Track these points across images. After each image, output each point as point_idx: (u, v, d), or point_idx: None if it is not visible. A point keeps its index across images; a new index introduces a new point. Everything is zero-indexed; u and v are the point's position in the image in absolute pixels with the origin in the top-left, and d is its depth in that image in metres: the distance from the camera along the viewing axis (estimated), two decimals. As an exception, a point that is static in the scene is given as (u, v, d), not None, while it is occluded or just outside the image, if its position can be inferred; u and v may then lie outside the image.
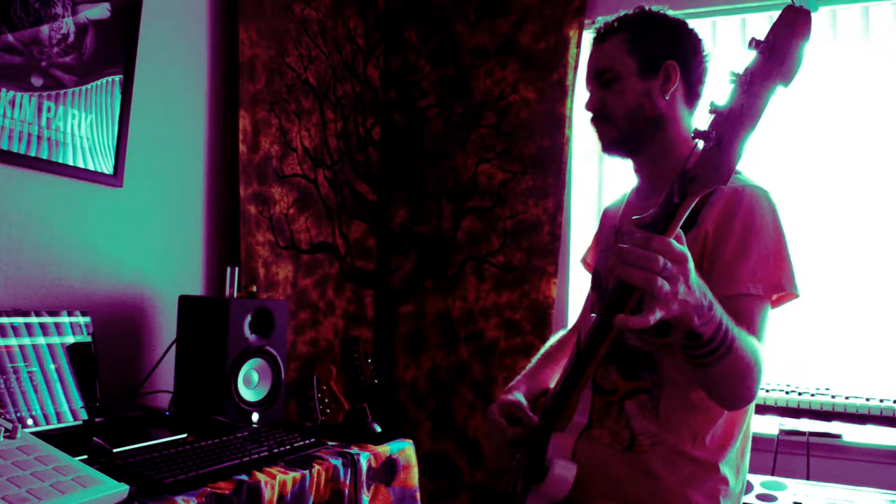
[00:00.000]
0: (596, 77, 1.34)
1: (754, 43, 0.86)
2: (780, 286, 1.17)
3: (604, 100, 1.33)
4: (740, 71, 0.87)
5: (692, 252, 0.96)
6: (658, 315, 0.91)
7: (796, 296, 1.21)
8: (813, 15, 0.86)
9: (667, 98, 1.30)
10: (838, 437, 2.18)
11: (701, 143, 0.89)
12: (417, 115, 2.85)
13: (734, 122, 0.85)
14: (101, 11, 1.84)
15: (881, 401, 1.98)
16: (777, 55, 0.85)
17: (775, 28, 0.86)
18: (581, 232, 2.70)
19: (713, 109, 0.88)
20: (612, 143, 1.35)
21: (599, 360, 1.12)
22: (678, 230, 0.93)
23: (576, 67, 2.59)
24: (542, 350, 1.60)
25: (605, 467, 1.26)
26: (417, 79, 2.85)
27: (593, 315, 1.23)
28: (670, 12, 1.36)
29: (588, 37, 2.60)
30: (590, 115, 1.37)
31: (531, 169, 2.63)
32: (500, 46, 2.71)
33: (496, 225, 2.69)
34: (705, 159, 0.87)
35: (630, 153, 1.36)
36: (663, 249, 0.90)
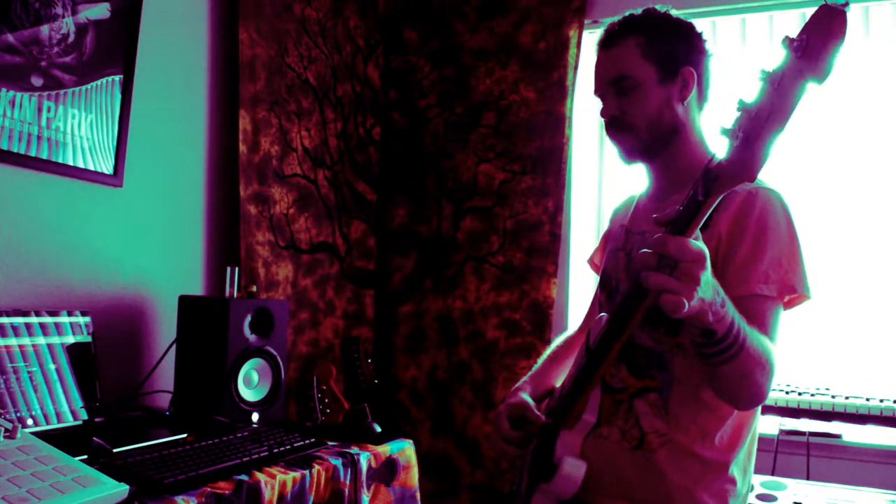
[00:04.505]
0: (612, 84, 1.31)
1: (787, 41, 0.85)
2: (792, 288, 1.18)
3: (622, 108, 1.30)
4: (770, 69, 0.86)
5: None
6: (687, 307, 0.92)
7: (808, 298, 1.21)
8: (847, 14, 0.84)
9: (684, 104, 1.30)
10: (838, 437, 2.18)
11: (726, 141, 0.88)
12: (417, 115, 2.85)
13: (763, 120, 0.84)
14: (101, 11, 1.84)
15: (881, 401, 1.98)
16: (811, 54, 0.83)
17: (809, 26, 0.85)
18: (581, 232, 2.70)
19: (741, 108, 0.87)
20: (632, 151, 1.33)
21: (612, 359, 1.12)
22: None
23: (576, 67, 2.59)
24: (549, 350, 1.60)
25: (613, 466, 1.26)
26: (417, 79, 2.85)
27: (602, 315, 1.23)
28: (674, 12, 1.35)
29: (588, 37, 2.60)
30: (606, 122, 1.34)
31: (531, 169, 2.63)
32: (500, 46, 2.71)
33: (496, 225, 2.69)
34: (731, 157, 0.87)
35: (648, 160, 1.35)
36: (681, 251, 0.90)
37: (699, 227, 0.93)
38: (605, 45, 1.34)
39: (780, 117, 0.84)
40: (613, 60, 1.31)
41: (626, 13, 1.33)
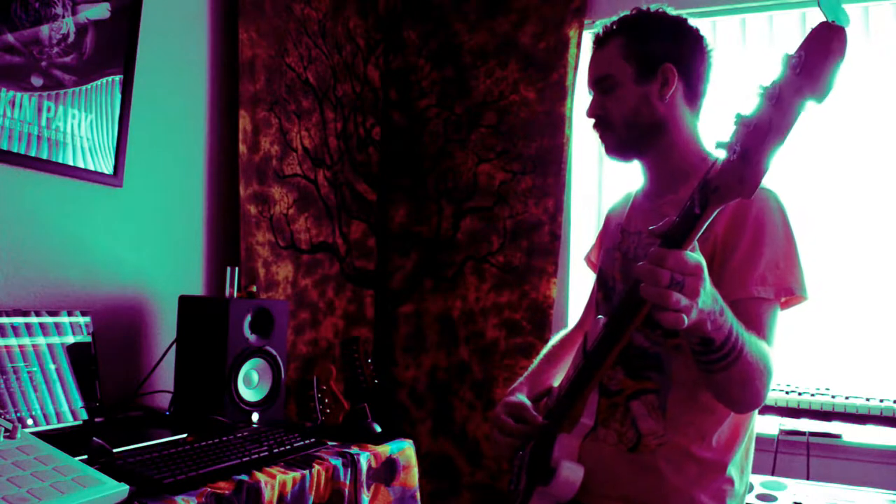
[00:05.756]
0: (596, 83, 1.35)
1: (786, 58, 0.85)
2: (789, 290, 1.18)
3: (604, 106, 1.33)
4: (768, 83, 0.85)
5: (702, 255, 0.96)
6: (687, 322, 0.92)
7: (805, 299, 1.21)
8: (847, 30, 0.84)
9: (665, 101, 1.30)
10: (838, 437, 2.18)
11: (723, 154, 0.88)
12: (417, 115, 2.85)
13: (762, 135, 0.83)
14: (101, 11, 1.84)
15: (881, 401, 1.98)
16: (809, 72, 0.82)
17: (807, 44, 0.83)
18: (581, 232, 2.70)
19: (739, 121, 0.86)
20: (614, 148, 1.36)
21: (611, 363, 1.12)
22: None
23: (576, 67, 2.59)
24: (545, 350, 1.60)
25: (610, 468, 1.26)
26: (417, 79, 2.85)
27: (600, 317, 1.23)
28: (671, 11, 1.35)
29: (588, 37, 2.60)
30: (591, 120, 1.37)
31: (531, 169, 2.63)
32: (500, 46, 2.71)
33: (496, 225, 2.69)
34: (729, 171, 0.86)
35: (633, 157, 1.36)
36: (679, 266, 0.90)
37: (696, 239, 0.93)
38: (596, 46, 1.37)
39: (778, 134, 0.83)
40: (599, 61, 1.35)
41: (621, 14, 1.35)
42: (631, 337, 1.28)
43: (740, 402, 1.15)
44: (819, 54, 0.82)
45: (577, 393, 1.19)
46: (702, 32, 1.35)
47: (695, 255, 0.92)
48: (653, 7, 1.35)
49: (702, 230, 0.92)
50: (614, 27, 1.33)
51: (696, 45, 1.33)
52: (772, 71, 0.86)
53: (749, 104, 0.87)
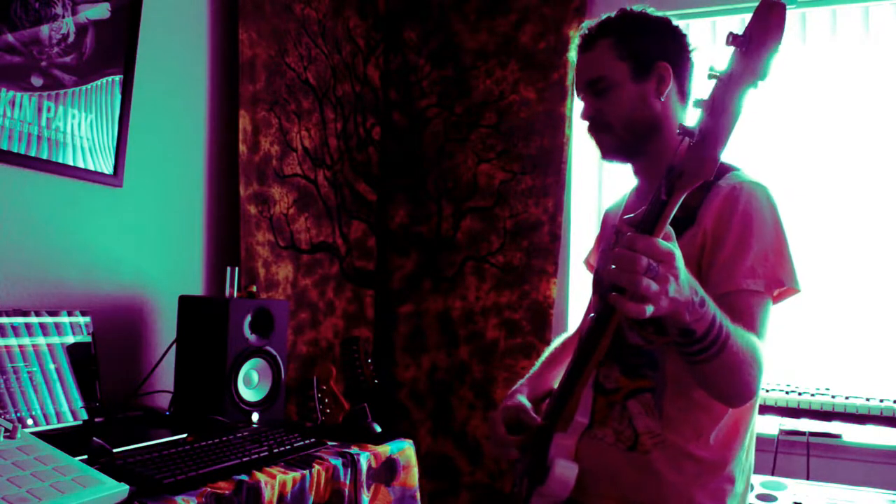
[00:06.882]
0: (588, 86, 1.33)
1: (731, 38, 0.87)
2: (779, 281, 1.17)
3: (599, 108, 1.32)
4: (721, 67, 0.88)
5: (691, 250, 0.96)
6: (650, 310, 0.91)
7: (797, 291, 1.20)
8: (788, 10, 0.86)
9: (662, 100, 1.30)
10: (838, 437, 2.18)
11: (687, 140, 0.89)
12: (417, 115, 2.85)
13: (716, 116, 0.86)
14: (101, 11, 1.84)
15: (881, 401, 1.98)
16: (753, 50, 0.85)
17: (752, 23, 0.87)
18: (581, 232, 2.70)
19: (697, 105, 0.89)
20: (611, 150, 1.34)
21: (598, 358, 1.12)
22: (668, 227, 0.93)
23: (576, 67, 2.59)
24: (546, 352, 1.60)
25: (607, 467, 1.26)
26: (417, 79, 2.85)
27: (592, 315, 1.23)
28: (655, 11, 1.34)
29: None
30: (586, 123, 1.36)
31: (531, 169, 2.63)
32: (500, 46, 2.71)
33: (496, 225, 2.69)
34: (690, 155, 0.88)
35: (629, 158, 1.36)
36: (648, 249, 0.90)
37: (667, 225, 0.93)
38: (582, 49, 1.35)
39: (730, 113, 0.86)
40: (589, 63, 1.33)
41: (603, 16, 1.34)
42: (626, 335, 1.28)
43: (729, 394, 1.14)
44: (760, 32, 0.85)
45: (569, 391, 1.19)
46: (684, 31, 1.35)
47: (667, 243, 0.92)
48: (636, 7, 1.34)
49: (671, 216, 0.93)
50: (600, 29, 1.32)
51: (683, 44, 1.33)
52: (723, 57, 0.89)
53: (706, 88, 0.89)
